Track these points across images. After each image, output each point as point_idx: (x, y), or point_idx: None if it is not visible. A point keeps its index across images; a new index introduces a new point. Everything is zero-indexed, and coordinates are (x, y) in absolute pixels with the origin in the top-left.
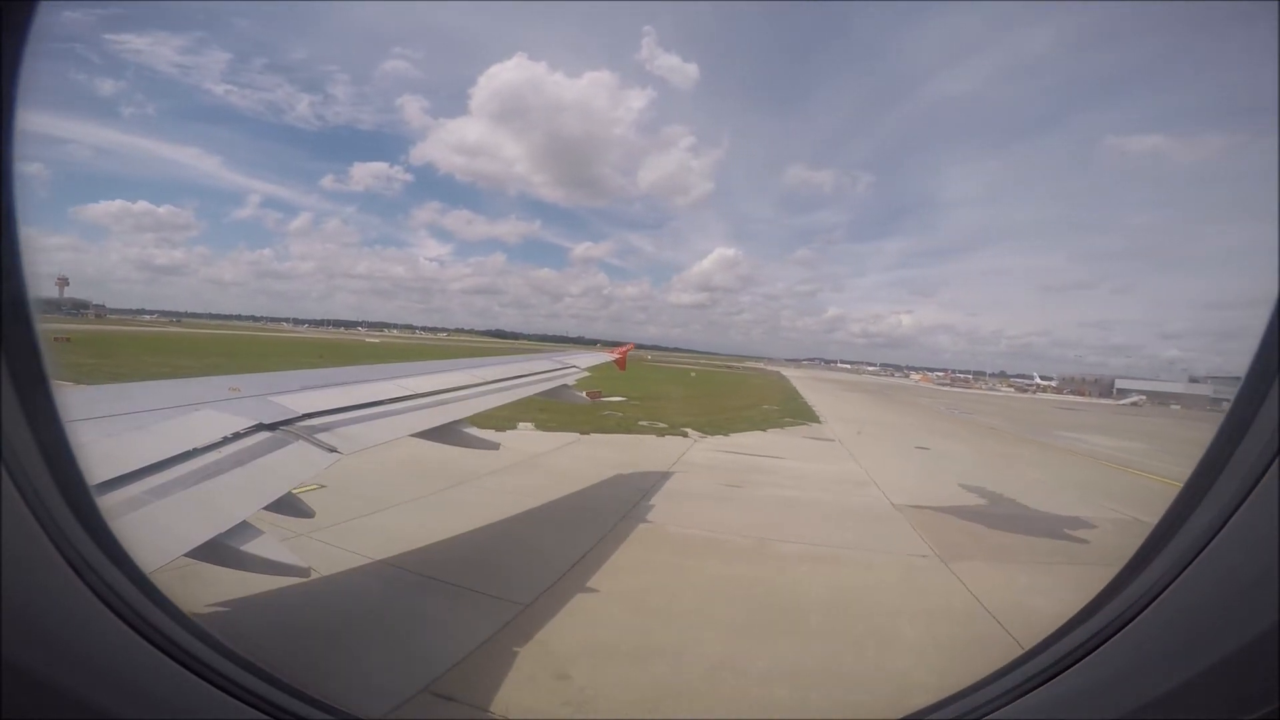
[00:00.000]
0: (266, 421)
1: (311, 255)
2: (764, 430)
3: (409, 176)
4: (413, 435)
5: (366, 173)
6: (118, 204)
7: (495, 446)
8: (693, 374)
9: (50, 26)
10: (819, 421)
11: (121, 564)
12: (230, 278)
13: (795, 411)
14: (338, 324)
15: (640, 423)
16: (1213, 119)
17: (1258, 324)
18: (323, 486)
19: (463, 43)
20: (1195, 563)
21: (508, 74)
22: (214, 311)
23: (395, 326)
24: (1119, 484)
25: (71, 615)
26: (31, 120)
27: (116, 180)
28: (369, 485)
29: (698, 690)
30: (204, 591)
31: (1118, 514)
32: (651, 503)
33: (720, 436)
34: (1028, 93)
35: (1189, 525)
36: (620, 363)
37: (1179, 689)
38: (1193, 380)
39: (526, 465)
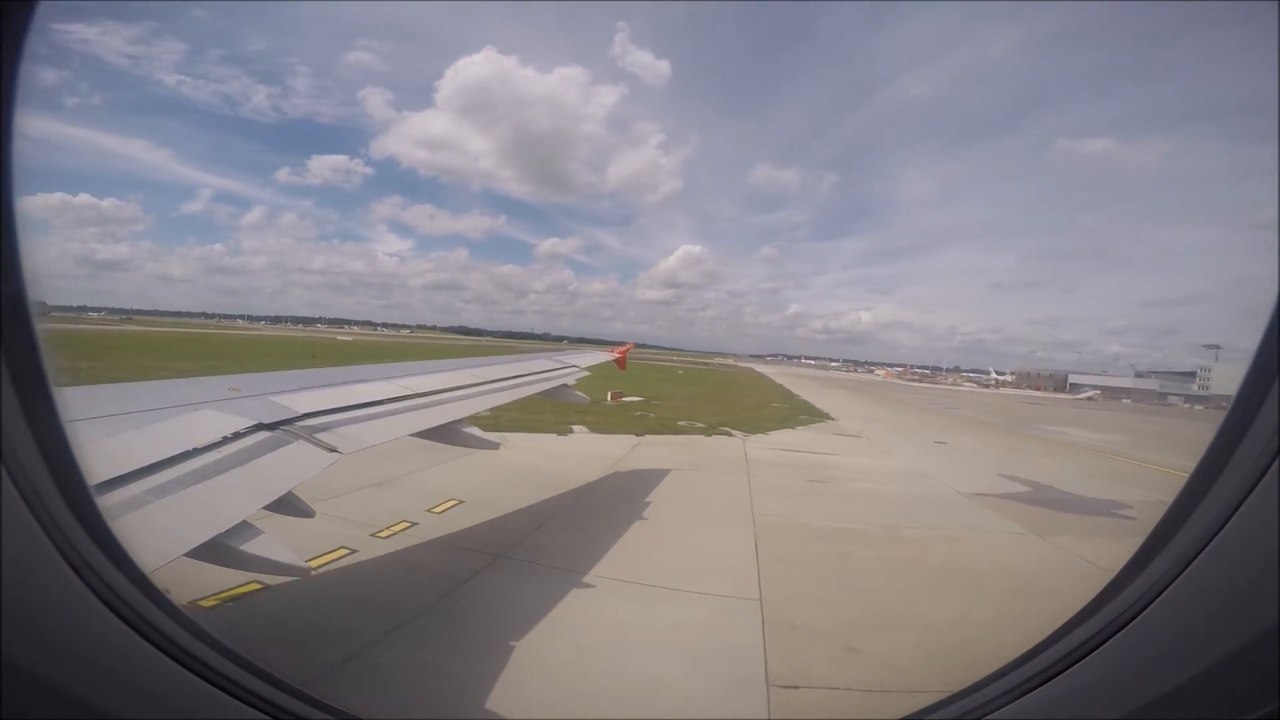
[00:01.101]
0: (266, 421)
1: (265, 250)
2: (793, 429)
3: (369, 170)
4: (413, 435)
5: (325, 166)
6: (57, 197)
7: (495, 446)
8: (680, 372)
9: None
10: (833, 419)
11: (121, 564)
12: (178, 274)
13: (804, 409)
14: (296, 320)
15: (678, 423)
16: (1159, 124)
17: (1229, 322)
18: (461, 502)
19: (430, 35)
20: (1195, 563)
21: (476, 68)
22: (161, 308)
23: (355, 323)
24: (1124, 471)
25: (71, 615)
26: None
27: (56, 172)
28: (502, 499)
29: (956, 645)
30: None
31: (1142, 497)
32: (761, 500)
33: (760, 435)
34: (986, 96)
35: (1189, 525)
36: (620, 362)
37: (1179, 689)
38: (1138, 375)
39: (621, 471)
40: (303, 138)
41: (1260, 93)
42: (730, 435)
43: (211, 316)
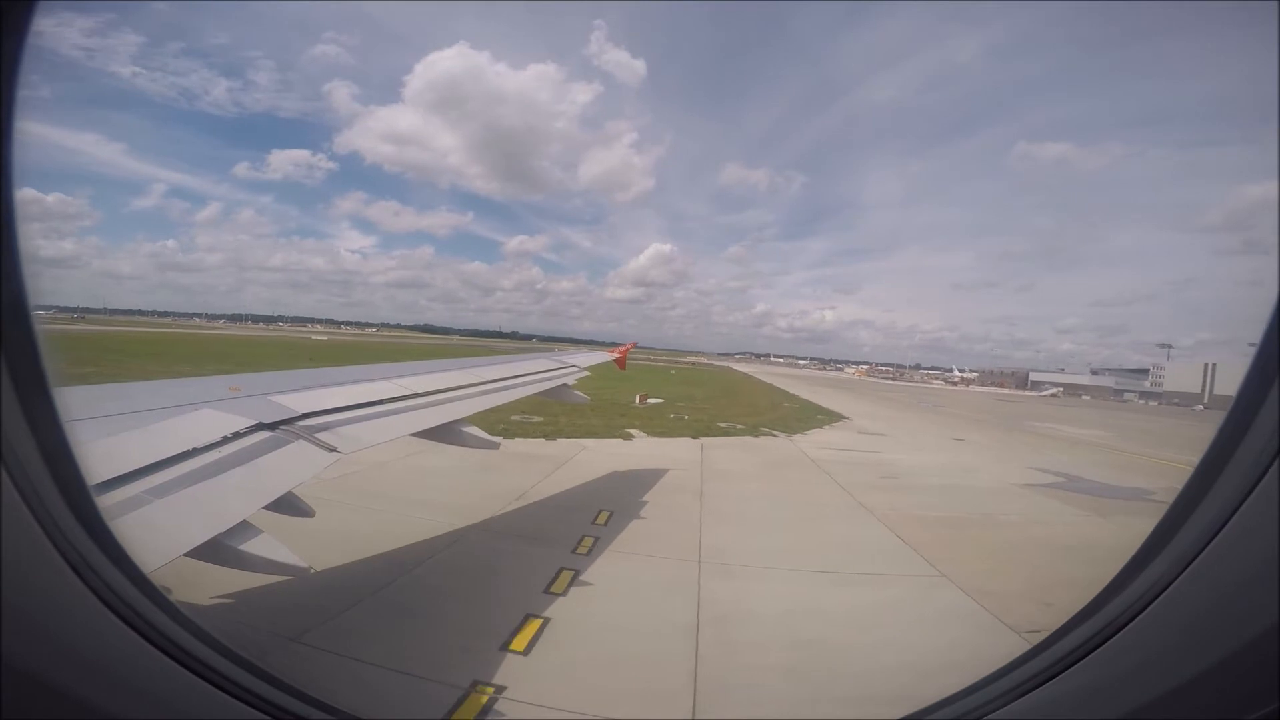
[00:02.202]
0: (266, 421)
1: (220, 247)
2: (823, 428)
3: (333, 165)
4: (412, 435)
5: (286, 160)
6: None
7: (495, 445)
8: (672, 371)
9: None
10: (847, 418)
11: (121, 564)
12: (128, 271)
13: (815, 410)
14: (256, 319)
15: (718, 424)
16: (1115, 128)
17: (1173, 321)
18: (612, 513)
19: (402, 29)
20: (1195, 563)
21: (447, 63)
22: (110, 306)
23: (318, 321)
24: (1129, 463)
25: (71, 615)
26: None
27: None
28: (638, 506)
29: None
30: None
31: (1159, 485)
32: (862, 496)
33: (801, 435)
34: (952, 100)
35: (1189, 525)
36: (620, 362)
37: (1179, 689)
38: (1093, 372)
39: (715, 474)
40: (263, 132)
41: (1206, 99)
42: (775, 436)
43: (165, 315)
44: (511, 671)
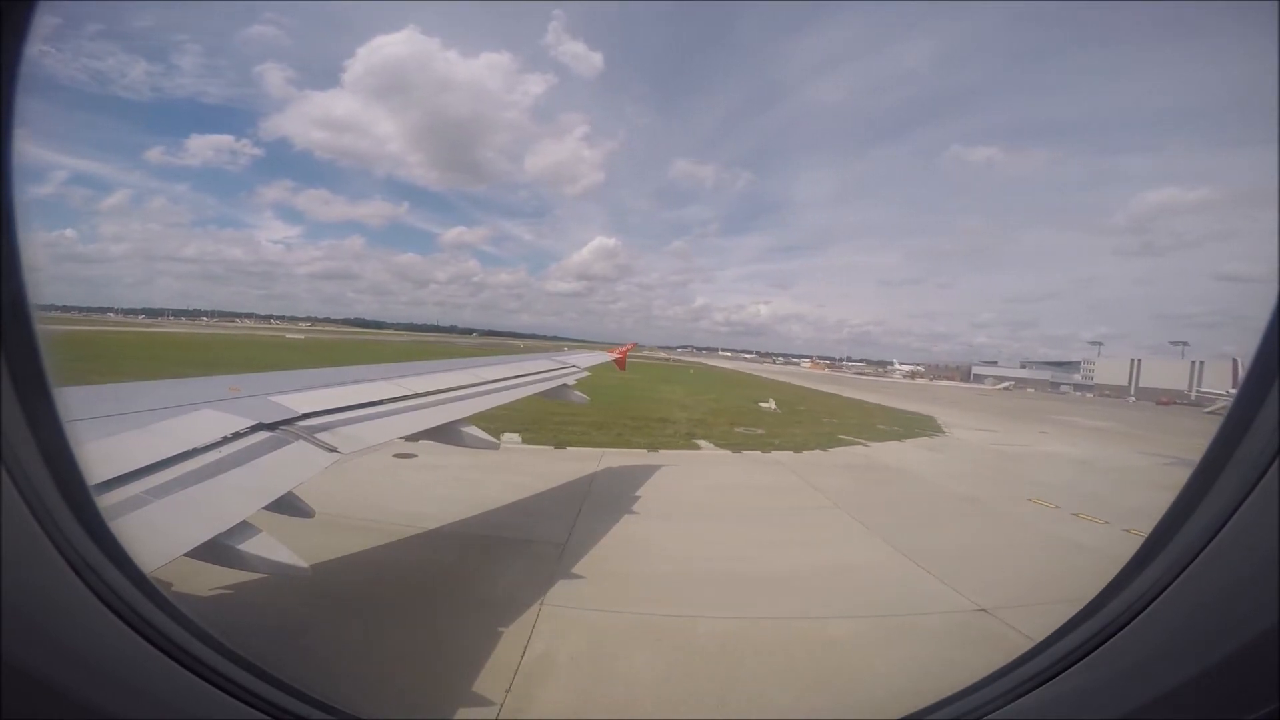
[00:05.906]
0: (266, 421)
1: (127, 236)
2: (950, 429)
3: (258, 151)
4: (413, 435)
5: (205, 146)
6: None
7: (495, 446)
8: (690, 371)
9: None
10: (933, 416)
11: (121, 564)
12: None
13: (898, 410)
14: (177, 314)
15: (878, 428)
16: (1040, 135)
17: (1078, 316)
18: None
19: (347, 10)
20: (1195, 563)
21: (394, 47)
22: None
23: (242, 315)
24: (1173, 446)
25: (71, 615)
26: None
27: None
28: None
29: None
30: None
31: None
32: (1105, 478)
33: (949, 436)
34: (889, 103)
35: (1189, 525)
36: (620, 363)
37: (1179, 689)
38: (1022, 365)
39: (1004, 475)
40: (182, 116)
41: (1120, 109)
42: (939, 435)
43: (69, 310)
44: None
